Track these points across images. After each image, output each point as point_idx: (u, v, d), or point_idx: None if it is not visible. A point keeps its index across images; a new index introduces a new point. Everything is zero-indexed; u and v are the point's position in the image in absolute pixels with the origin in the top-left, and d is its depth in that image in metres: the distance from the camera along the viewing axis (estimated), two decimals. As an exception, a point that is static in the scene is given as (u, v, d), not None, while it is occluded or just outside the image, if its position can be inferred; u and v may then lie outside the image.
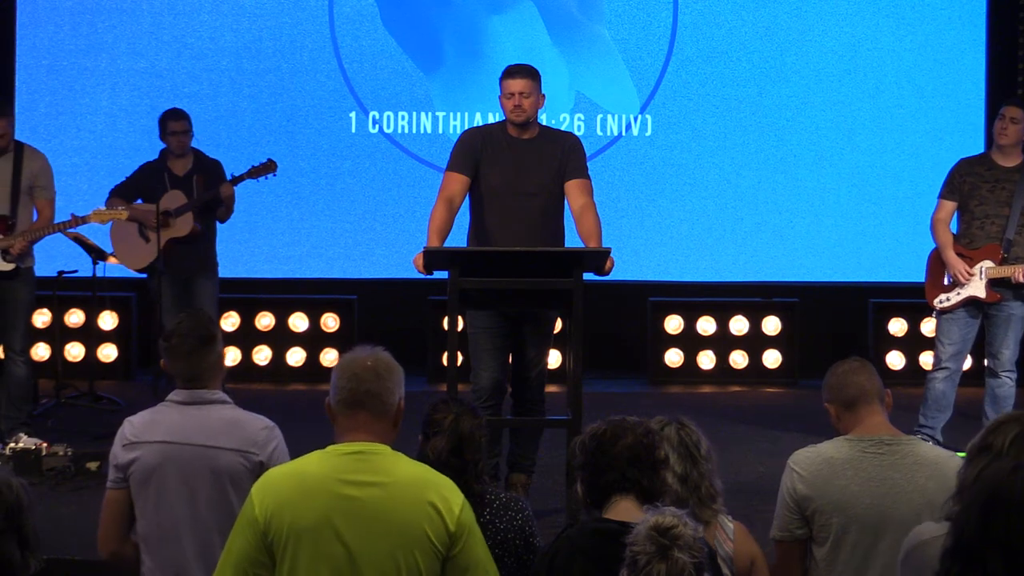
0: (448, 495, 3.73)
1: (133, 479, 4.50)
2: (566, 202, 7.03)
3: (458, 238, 7.34)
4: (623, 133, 10.84)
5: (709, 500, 4.34)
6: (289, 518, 3.65)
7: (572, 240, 7.19)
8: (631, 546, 3.37)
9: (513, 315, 6.96)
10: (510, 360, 7.05)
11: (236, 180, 8.92)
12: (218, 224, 9.11)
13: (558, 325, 7.63)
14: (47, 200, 8.38)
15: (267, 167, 8.98)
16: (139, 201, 8.92)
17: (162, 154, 9.09)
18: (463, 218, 7.16)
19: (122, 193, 8.96)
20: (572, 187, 6.95)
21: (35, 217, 8.40)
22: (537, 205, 6.95)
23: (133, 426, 4.55)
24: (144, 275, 9.14)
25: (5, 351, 8.42)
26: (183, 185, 8.96)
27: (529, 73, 7.00)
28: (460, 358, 6.60)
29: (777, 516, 4.66)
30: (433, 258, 6.54)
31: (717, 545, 4.31)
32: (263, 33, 10.80)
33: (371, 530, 3.65)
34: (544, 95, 7.06)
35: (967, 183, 7.99)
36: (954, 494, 3.74)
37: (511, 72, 7.01)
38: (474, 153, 7.00)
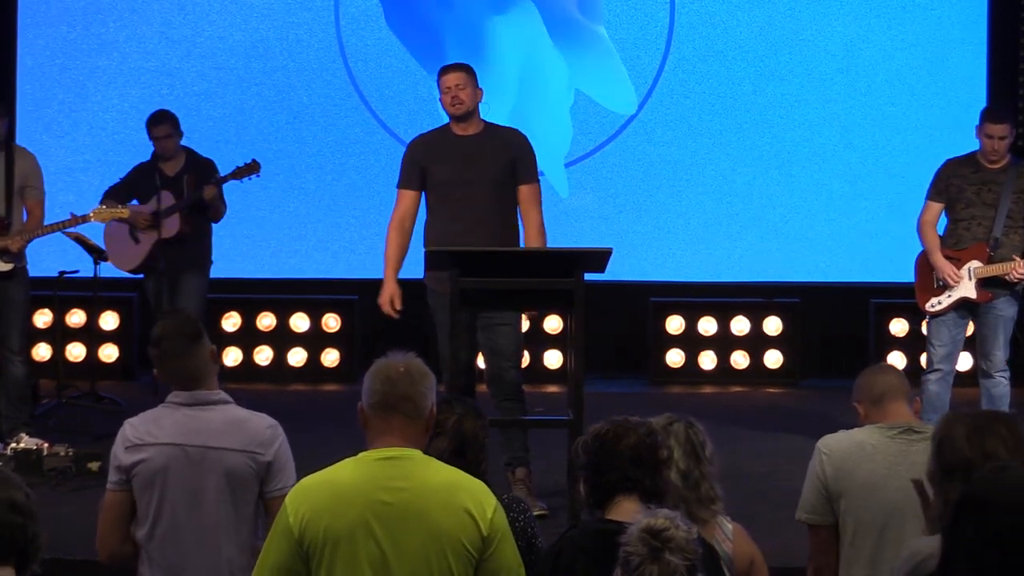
0: (482, 499, 3.74)
1: (136, 481, 4.46)
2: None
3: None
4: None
5: (708, 501, 4.34)
6: (324, 526, 3.66)
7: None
8: (624, 546, 3.38)
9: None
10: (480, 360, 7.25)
11: (220, 181, 8.80)
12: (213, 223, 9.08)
13: (525, 324, 7.57)
14: (37, 200, 8.38)
15: (250, 168, 8.86)
16: (134, 202, 8.89)
17: (154, 155, 9.03)
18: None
19: (116, 195, 8.91)
20: (522, 192, 7.20)
21: (24, 217, 8.39)
22: (483, 199, 7.11)
23: (135, 428, 4.51)
24: (141, 276, 9.12)
25: (3, 351, 8.40)
26: (173, 185, 8.89)
27: (462, 68, 7.28)
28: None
29: (804, 499, 4.67)
30: (434, 258, 6.59)
31: (715, 545, 4.29)
32: (270, 33, 10.81)
33: (405, 535, 3.66)
34: (482, 90, 7.28)
35: (953, 185, 7.94)
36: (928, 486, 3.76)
37: (444, 70, 7.30)
38: (417, 163, 7.28)
